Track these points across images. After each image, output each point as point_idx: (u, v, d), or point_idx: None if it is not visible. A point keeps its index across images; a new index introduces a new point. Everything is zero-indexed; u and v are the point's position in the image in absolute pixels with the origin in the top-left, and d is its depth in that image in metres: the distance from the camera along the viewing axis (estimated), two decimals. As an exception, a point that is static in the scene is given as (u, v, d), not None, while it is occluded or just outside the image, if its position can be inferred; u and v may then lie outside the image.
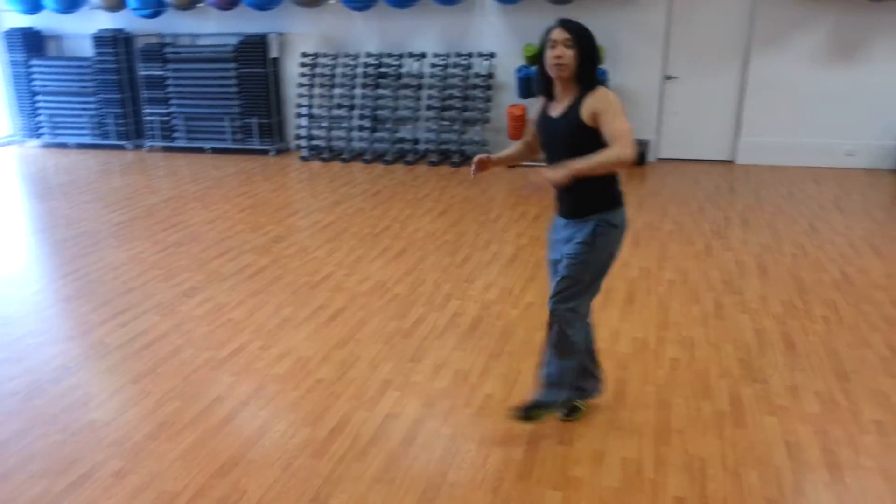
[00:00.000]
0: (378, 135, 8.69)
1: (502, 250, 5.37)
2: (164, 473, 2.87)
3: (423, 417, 3.23)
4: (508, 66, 8.29)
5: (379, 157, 8.68)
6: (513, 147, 3.15)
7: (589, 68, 2.74)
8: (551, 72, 2.75)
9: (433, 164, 8.33)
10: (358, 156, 8.84)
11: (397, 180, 7.63)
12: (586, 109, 2.69)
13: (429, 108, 8.47)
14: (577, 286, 2.87)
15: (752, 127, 8.00)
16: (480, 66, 8.35)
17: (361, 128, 8.69)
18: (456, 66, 8.37)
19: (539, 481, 2.79)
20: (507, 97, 8.39)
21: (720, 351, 3.79)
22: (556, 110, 2.82)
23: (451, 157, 8.45)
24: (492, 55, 8.25)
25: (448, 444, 3.03)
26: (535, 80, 2.93)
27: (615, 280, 4.71)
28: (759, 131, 7.99)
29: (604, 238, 2.82)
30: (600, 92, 2.71)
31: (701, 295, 4.52)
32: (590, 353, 3.14)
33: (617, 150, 2.58)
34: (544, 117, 2.89)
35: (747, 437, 3.05)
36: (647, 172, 7.83)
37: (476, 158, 3.08)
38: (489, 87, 8.27)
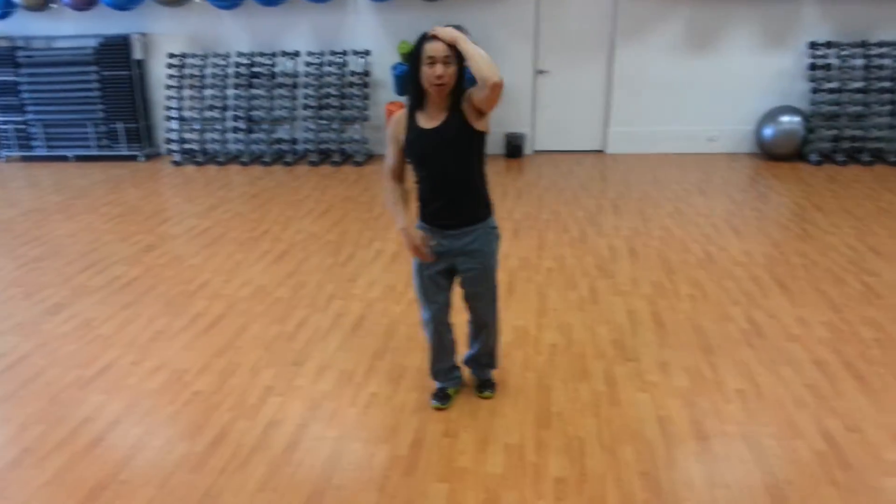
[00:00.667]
0: (254, 136, 8.47)
1: (385, 248, 5.36)
2: (30, 502, 2.69)
3: (306, 422, 3.18)
4: (384, 64, 8.29)
5: (256, 159, 8.47)
6: (400, 200, 2.95)
7: (462, 83, 2.74)
8: (430, 89, 2.70)
9: (313, 164, 8.21)
10: (234, 158, 8.59)
11: (276, 182, 7.47)
12: (467, 112, 2.72)
13: (305, 107, 8.34)
14: (495, 295, 3.11)
15: (619, 117, 8.35)
16: (356, 63, 8.30)
17: (236, 129, 8.45)
18: (331, 64, 8.28)
19: (425, 475, 2.81)
20: (385, 94, 8.38)
21: (595, 334, 3.94)
22: (431, 122, 2.78)
23: (332, 156, 8.35)
24: (367, 53, 8.21)
25: (333, 446, 3.00)
26: (406, 89, 2.88)
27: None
28: (627, 121, 8.35)
29: (495, 242, 2.99)
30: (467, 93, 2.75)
31: (577, 281, 4.67)
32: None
33: (494, 68, 2.56)
34: (418, 130, 2.79)
35: (622, 414, 3.18)
36: (524, 165, 8.03)
37: (422, 245, 2.90)
38: (366, 85, 8.23)
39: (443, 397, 3.27)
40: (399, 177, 2.97)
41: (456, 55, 2.66)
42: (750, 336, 3.87)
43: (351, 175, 7.68)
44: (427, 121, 2.79)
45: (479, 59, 2.55)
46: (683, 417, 3.15)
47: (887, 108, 7.62)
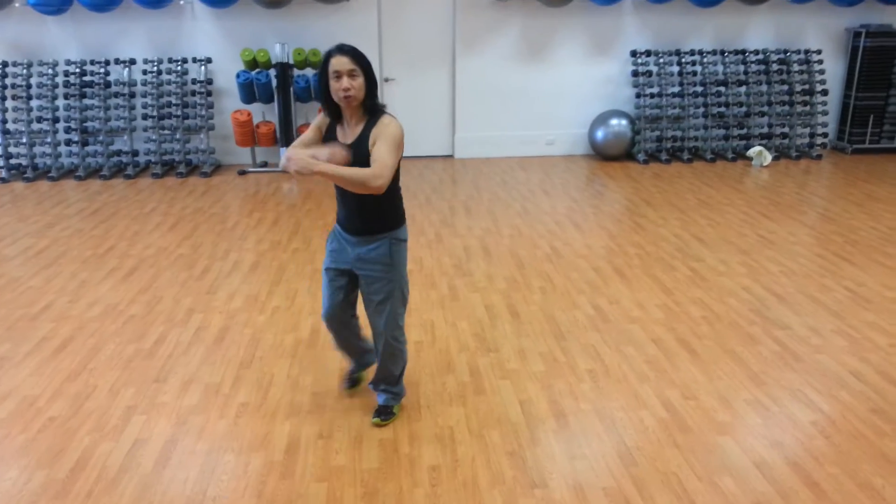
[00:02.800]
0: (90, 148, 8.00)
1: (243, 258, 5.29)
2: None
3: (175, 437, 3.12)
4: (227, 71, 8.12)
5: (94, 173, 8.01)
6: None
7: (374, 93, 2.81)
8: (340, 102, 2.77)
9: (157, 176, 7.88)
10: (69, 173, 8.08)
11: (118, 196, 7.12)
12: (372, 138, 2.78)
13: (145, 117, 7.99)
14: (395, 305, 3.03)
15: (465, 123, 8.68)
16: (197, 71, 8.06)
17: (69, 142, 7.94)
18: (170, 72, 7.99)
19: (303, 476, 2.85)
20: (231, 103, 8.21)
21: (457, 329, 4.13)
22: (348, 137, 2.85)
23: (177, 167, 8.06)
24: (208, 60, 8.01)
25: (205, 459, 2.97)
26: (322, 105, 2.89)
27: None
28: (472, 127, 8.70)
29: (398, 254, 2.99)
30: (385, 120, 2.79)
31: (437, 280, 4.85)
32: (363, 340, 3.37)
33: (369, 173, 2.65)
34: (334, 140, 2.87)
35: (487, 401, 3.37)
36: (377, 170, 8.13)
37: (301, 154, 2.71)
38: (209, 94, 8.01)
39: (355, 381, 3.47)
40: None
41: (363, 69, 2.74)
42: (596, 321, 4.21)
43: (199, 186, 7.46)
44: (343, 135, 2.87)
45: (349, 179, 2.65)
46: (542, 399, 3.39)
47: (701, 110, 8.45)
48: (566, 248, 5.44)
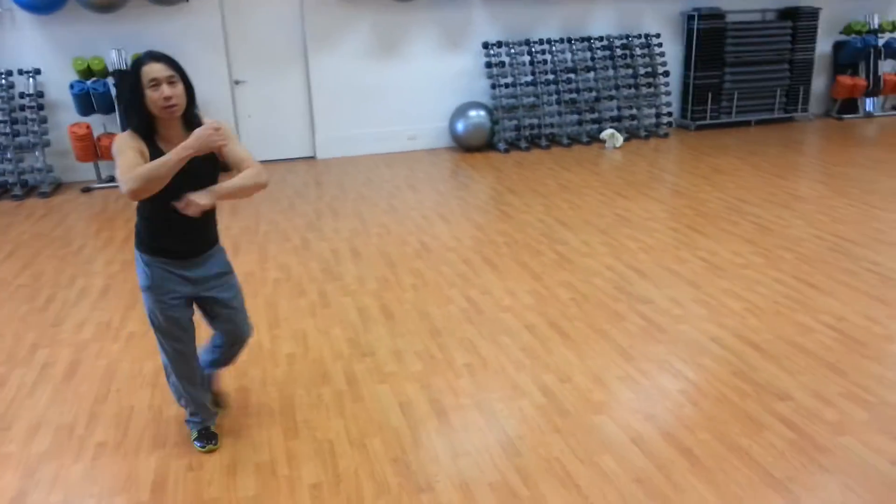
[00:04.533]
0: None
1: (91, 283, 4.89)
2: None
3: (24, 491, 2.81)
4: (60, 83, 7.50)
5: (-89, 203, 7.20)
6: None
7: (194, 100, 2.63)
8: (161, 113, 2.52)
9: (-13, 201, 7.19)
10: None
11: (-58, 226, 6.43)
12: None
13: (-32, 137, 7.26)
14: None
15: (324, 123, 8.48)
16: (25, 84, 7.40)
17: None
18: (-6, 86, 7.30)
19: (173, 515, 2.64)
20: (67, 116, 7.59)
21: (330, 336, 3.99)
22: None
23: (11, 189, 7.38)
24: (37, 72, 7.37)
25: (61, 509, 2.69)
26: (130, 120, 2.58)
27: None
28: (332, 126, 8.51)
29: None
30: (211, 123, 2.57)
31: (306, 287, 4.69)
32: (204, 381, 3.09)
33: (256, 172, 2.66)
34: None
35: (366, 408, 3.27)
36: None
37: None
38: (41, 108, 7.38)
39: (209, 436, 3.03)
40: None
41: (181, 75, 2.56)
42: (469, 313, 4.20)
43: (38, 209, 6.87)
44: (169, 149, 2.53)
45: (246, 187, 2.63)
46: (422, 399, 3.33)
47: (554, 97, 8.69)
48: (435, 243, 5.41)
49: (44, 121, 7.39)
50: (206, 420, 3.06)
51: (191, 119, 2.66)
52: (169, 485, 2.81)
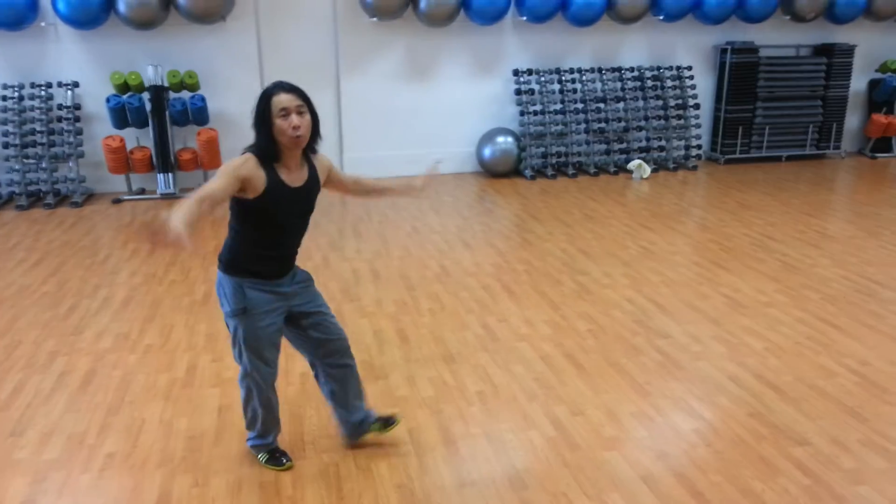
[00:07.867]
0: (-57, 181, 7.38)
1: (114, 293, 4.96)
2: None
3: (31, 498, 2.83)
4: (97, 96, 7.67)
5: (-52, 208, 7.38)
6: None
7: (318, 132, 2.70)
8: (289, 143, 2.58)
9: (22, 208, 7.34)
10: (-82, 208, 7.41)
11: (-25, 232, 6.57)
12: (321, 173, 2.81)
13: (6, 145, 7.43)
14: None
15: (352, 143, 8.56)
16: (63, 96, 7.59)
17: (-82, 175, 7.29)
18: (34, 97, 7.49)
19: (175, 531, 2.64)
20: (102, 129, 7.75)
21: (344, 357, 3.98)
22: (294, 180, 2.68)
23: (44, 198, 7.54)
24: (75, 84, 7.55)
25: (65, 519, 2.71)
26: (256, 146, 2.63)
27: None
28: (360, 147, 8.59)
29: None
30: (320, 155, 2.81)
31: (323, 307, 4.69)
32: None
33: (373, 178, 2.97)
34: (285, 188, 2.64)
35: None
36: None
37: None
38: (77, 119, 7.55)
39: (280, 453, 3.04)
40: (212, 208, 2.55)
41: (309, 106, 2.62)
42: (485, 341, 4.17)
43: (68, 218, 7.00)
44: (290, 177, 2.66)
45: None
46: (432, 426, 3.30)
47: (582, 126, 8.67)
48: (456, 268, 5.40)
49: (79, 132, 7.56)
50: (274, 441, 3.06)
51: (310, 150, 2.74)
52: (172, 500, 2.81)
